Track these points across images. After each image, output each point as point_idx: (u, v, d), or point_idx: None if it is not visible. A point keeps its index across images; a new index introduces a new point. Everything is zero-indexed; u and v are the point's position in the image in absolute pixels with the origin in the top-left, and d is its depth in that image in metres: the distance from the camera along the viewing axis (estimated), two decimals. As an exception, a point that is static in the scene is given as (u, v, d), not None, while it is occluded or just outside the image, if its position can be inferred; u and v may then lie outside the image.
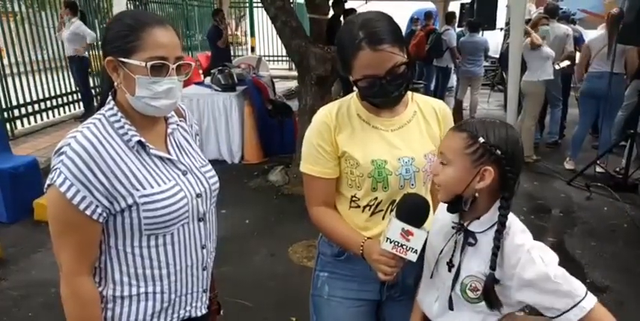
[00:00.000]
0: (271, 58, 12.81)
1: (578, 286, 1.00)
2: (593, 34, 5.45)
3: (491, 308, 1.05)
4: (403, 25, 9.48)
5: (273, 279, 3.08)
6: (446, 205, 1.13)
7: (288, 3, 4.30)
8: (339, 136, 1.29)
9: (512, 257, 1.02)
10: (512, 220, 1.07)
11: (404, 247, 1.10)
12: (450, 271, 1.12)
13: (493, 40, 8.28)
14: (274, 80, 7.56)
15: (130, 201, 1.08)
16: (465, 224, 1.10)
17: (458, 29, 8.08)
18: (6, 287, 2.97)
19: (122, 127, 1.11)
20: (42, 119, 6.73)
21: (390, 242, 1.11)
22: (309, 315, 1.51)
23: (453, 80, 8.38)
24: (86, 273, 1.10)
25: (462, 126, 1.07)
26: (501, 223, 1.03)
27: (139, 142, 1.11)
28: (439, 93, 7.59)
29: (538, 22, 5.34)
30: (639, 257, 3.39)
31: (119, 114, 1.12)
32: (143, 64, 1.05)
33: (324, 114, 1.32)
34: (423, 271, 1.26)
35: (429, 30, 7.46)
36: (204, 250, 1.25)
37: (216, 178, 1.28)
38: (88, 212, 1.04)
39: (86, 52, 6.90)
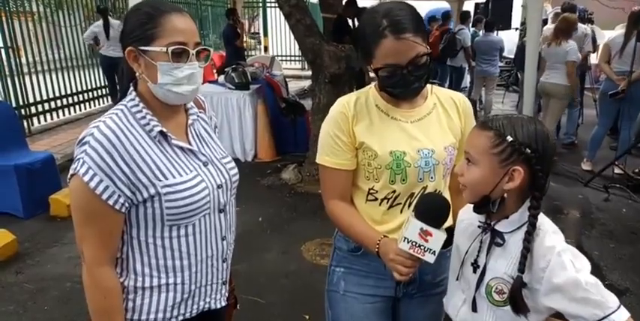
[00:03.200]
0: (284, 58, 12.83)
1: (610, 298, 0.94)
2: (609, 34, 5.36)
3: (517, 313, 1.00)
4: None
5: (285, 276, 3.07)
6: (471, 205, 1.09)
7: (302, 1, 4.30)
8: (357, 126, 1.27)
9: (541, 260, 0.97)
10: (543, 220, 1.02)
11: (422, 247, 1.07)
12: (474, 272, 1.08)
13: (508, 40, 8.19)
14: (287, 80, 7.56)
15: (152, 191, 1.07)
16: (492, 224, 1.06)
17: (471, 29, 8.01)
18: (22, 281, 3.00)
19: (144, 118, 1.11)
20: (58, 117, 6.81)
21: (408, 242, 1.07)
22: (323, 312, 1.50)
23: (467, 80, 8.31)
24: (108, 263, 1.10)
25: (487, 123, 1.02)
26: (532, 224, 0.98)
27: (161, 132, 1.11)
28: (453, 93, 7.52)
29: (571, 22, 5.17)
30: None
31: (140, 104, 1.12)
32: (164, 49, 1.05)
33: (342, 104, 1.30)
34: (448, 272, 1.23)
35: (444, 29, 7.40)
36: (225, 242, 1.24)
37: (236, 170, 1.28)
38: (110, 202, 1.04)
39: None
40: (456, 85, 7.63)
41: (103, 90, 7.74)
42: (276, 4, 12.16)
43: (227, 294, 1.30)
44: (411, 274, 1.12)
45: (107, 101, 7.80)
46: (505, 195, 1.02)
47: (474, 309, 1.08)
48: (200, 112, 1.27)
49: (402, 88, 1.21)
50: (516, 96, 8.11)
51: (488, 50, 6.90)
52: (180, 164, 1.13)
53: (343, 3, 6.18)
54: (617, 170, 4.76)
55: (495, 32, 7.45)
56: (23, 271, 3.13)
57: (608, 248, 3.49)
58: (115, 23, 6.50)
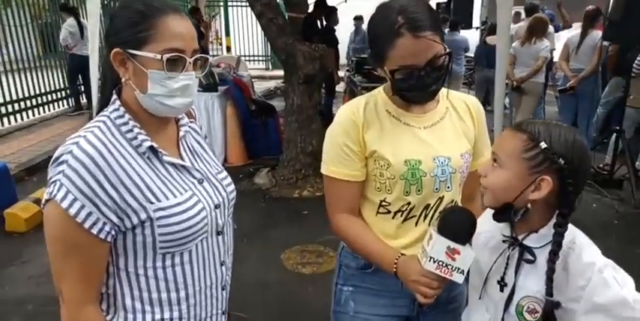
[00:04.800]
0: (248, 58, 12.58)
1: None
2: (566, 33, 5.54)
3: None
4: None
5: (267, 288, 2.94)
6: (488, 215, 1.01)
7: (274, 0, 4.17)
8: (368, 134, 1.17)
9: (580, 277, 0.90)
10: (576, 232, 0.96)
11: (449, 267, 0.98)
12: (502, 290, 1.00)
13: (470, 39, 8.31)
14: (252, 80, 7.39)
15: (142, 216, 0.93)
16: (520, 238, 0.98)
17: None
18: (-23, 306, 2.73)
19: (131, 131, 0.96)
20: (9, 123, 6.39)
21: (434, 262, 0.98)
22: None
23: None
24: (92, 301, 0.95)
25: (522, 126, 0.95)
26: (557, 243, 0.91)
27: (151, 148, 0.97)
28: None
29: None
30: (633, 253, 3.40)
31: (126, 115, 0.97)
32: (158, 56, 0.91)
33: (350, 110, 1.19)
34: (462, 286, 1.15)
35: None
36: (223, 267, 1.11)
37: (233, 186, 1.15)
38: (94, 231, 0.89)
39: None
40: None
41: (59, 93, 7.32)
42: (239, 3, 12.01)
43: (227, 325, 1.17)
44: (436, 296, 1.03)
45: (63, 105, 7.40)
46: (529, 205, 0.94)
47: None
48: (191, 122, 1.13)
49: (418, 91, 1.11)
50: (473, 93, 8.19)
51: (453, 49, 6.89)
52: (173, 183, 0.99)
53: (309, 2, 6.08)
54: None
55: (459, 31, 7.53)
56: (-22, 294, 2.86)
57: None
58: (86, 23, 6.23)
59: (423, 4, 1.10)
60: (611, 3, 4.28)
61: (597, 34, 4.67)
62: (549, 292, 0.90)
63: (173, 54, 0.92)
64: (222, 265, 1.10)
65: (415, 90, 1.11)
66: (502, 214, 0.98)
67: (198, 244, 1.02)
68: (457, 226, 0.99)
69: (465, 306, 1.27)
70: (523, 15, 7.06)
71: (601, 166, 4.89)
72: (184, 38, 0.94)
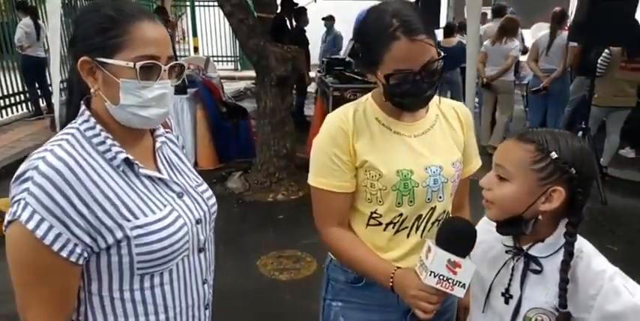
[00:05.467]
0: (216, 59, 12.38)
1: None
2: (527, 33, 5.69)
3: None
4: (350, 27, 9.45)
5: (245, 296, 2.85)
6: (486, 224, 0.99)
7: (244, 0, 4.08)
8: (358, 143, 1.13)
9: (590, 286, 0.88)
10: (583, 241, 0.94)
11: (450, 281, 0.94)
12: (507, 302, 0.97)
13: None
14: (222, 81, 7.25)
15: (118, 235, 0.86)
16: (525, 248, 0.96)
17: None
18: None
19: (103, 143, 0.89)
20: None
21: (434, 276, 0.94)
22: None
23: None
24: None
25: (527, 135, 0.92)
26: (569, 253, 0.89)
27: (126, 160, 0.89)
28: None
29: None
30: (604, 248, 3.46)
31: (97, 127, 0.89)
32: (131, 64, 0.84)
33: (339, 118, 1.15)
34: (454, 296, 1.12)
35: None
36: (205, 286, 1.05)
37: (214, 199, 1.09)
38: (64, 254, 0.82)
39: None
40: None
41: (17, 97, 6.98)
42: (206, 3, 11.78)
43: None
44: (435, 311, 0.99)
45: (22, 109, 7.06)
46: (540, 217, 0.92)
47: None
48: (167, 132, 1.06)
49: (413, 96, 1.07)
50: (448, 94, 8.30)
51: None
52: (151, 198, 0.92)
53: (278, 2, 6.01)
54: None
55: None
56: None
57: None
58: (42, 23, 6.00)
59: (414, 7, 1.07)
60: (575, 4, 4.39)
61: (566, 34, 4.80)
62: (563, 303, 0.88)
63: (147, 61, 0.85)
64: (204, 283, 1.04)
65: (409, 96, 1.07)
66: (509, 226, 0.95)
67: (179, 262, 0.95)
68: (457, 238, 0.96)
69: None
70: (489, 16, 7.20)
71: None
72: (158, 44, 0.87)
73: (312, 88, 6.93)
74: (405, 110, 1.14)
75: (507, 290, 0.98)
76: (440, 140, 1.18)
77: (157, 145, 1.00)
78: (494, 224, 1.00)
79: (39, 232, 0.79)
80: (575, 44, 4.72)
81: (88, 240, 0.84)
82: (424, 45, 1.01)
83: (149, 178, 0.94)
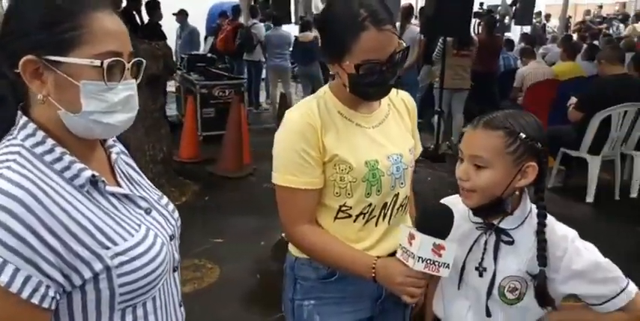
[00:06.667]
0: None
1: (620, 272, 1.00)
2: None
3: (544, 306, 1.01)
4: (203, 20, 9.13)
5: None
6: (453, 206, 1.03)
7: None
8: (326, 137, 1.11)
9: (557, 249, 0.99)
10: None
11: (436, 263, 0.98)
12: (481, 275, 1.05)
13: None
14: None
15: (97, 267, 0.72)
16: (496, 222, 1.04)
17: (265, 23, 8.12)
18: None
19: (59, 160, 0.74)
20: None
21: (422, 261, 0.97)
22: None
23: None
24: None
25: (491, 123, 0.98)
26: (543, 216, 0.99)
27: (92, 178, 0.75)
28: (254, 87, 7.55)
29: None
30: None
31: (48, 141, 0.74)
32: (97, 62, 0.71)
33: (305, 113, 1.12)
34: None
35: (236, 24, 7.31)
36: (182, 308, 0.96)
37: (177, 212, 0.98)
38: (35, 300, 0.67)
39: None
40: (255, 79, 7.66)
41: None
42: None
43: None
44: (422, 294, 1.03)
45: None
46: (517, 192, 1.01)
47: (489, 314, 1.05)
48: (115, 142, 0.92)
49: (378, 86, 1.09)
50: (301, 86, 8.38)
51: (280, 44, 7.09)
52: (124, 219, 0.79)
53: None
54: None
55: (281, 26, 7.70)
56: None
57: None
58: None
59: None
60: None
61: (414, 28, 5.31)
62: (543, 262, 0.97)
63: (113, 59, 0.73)
64: (180, 306, 0.94)
65: (375, 86, 1.09)
66: (490, 209, 1.02)
67: (160, 288, 0.84)
68: (438, 221, 1.00)
69: None
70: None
71: (429, 145, 5.60)
72: (120, 38, 0.76)
73: (171, 86, 6.54)
74: (368, 100, 1.15)
75: (480, 264, 1.05)
76: (395, 129, 1.22)
77: (113, 157, 0.86)
78: (457, 203, 1.06)
79: (3, 279, 0.63)
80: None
81: (60, 278, 0.69)
82: (391, 35, 1.04)
83: (113, 195, 0.81)
